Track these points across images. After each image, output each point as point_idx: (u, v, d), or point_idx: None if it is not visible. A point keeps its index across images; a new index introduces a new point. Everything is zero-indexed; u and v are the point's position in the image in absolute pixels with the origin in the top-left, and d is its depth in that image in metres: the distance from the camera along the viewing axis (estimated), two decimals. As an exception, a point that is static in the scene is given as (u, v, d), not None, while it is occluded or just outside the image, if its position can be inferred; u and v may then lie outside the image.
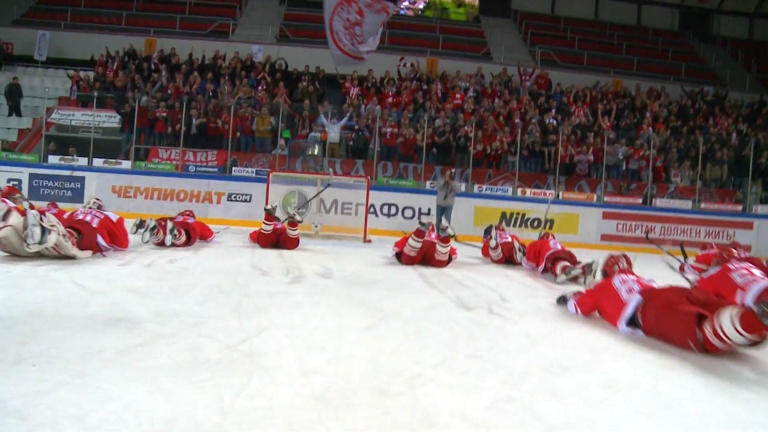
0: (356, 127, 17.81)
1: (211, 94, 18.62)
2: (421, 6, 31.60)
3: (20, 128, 18.89)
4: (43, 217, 6.04)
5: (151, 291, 4.91)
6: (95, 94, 17.98)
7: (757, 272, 5.12)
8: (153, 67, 20.42)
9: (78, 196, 15.39)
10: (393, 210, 16.12)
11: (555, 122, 19.19)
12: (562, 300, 5.48)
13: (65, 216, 7.46)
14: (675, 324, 3.93)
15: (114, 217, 7.63)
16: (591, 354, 3.76)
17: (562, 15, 29.24)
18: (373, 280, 6.67)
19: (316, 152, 17.56)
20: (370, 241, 12.27)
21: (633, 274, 4.93)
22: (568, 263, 7.62)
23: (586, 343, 4.06)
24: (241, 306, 4.45)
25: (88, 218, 7.20)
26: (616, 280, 4.76)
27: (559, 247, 8.31)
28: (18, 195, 8.46)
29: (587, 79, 23.22)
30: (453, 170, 15.27)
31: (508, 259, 9.24)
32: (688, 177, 18.42)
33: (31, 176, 15.70)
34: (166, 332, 3.47)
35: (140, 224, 8.36)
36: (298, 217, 8.28)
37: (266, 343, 3.40)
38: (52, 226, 6.05)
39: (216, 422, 2.19)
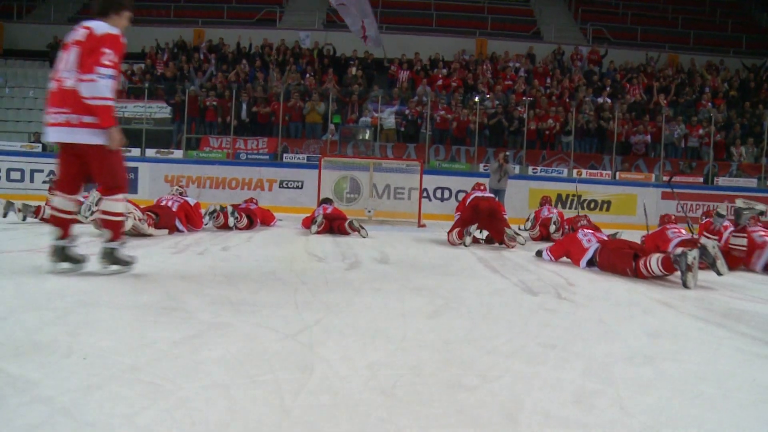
0: (407, 112, 17.57)
1: (261, 82, 18.61)
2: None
3: (75, 121, 19.14)
4: None
5: (204, 279, 4.79)
6: (146, 85, 18.16)
7: (683, 231, 7.88)
8: (202, 57, 20.52)
9: (131, 186, 15.54)
10: (446, 194, 15.87)
11: (609, 101, 18.58)
12: (539, 253, 7.36)
13: (154, 202, 8.84)
14: (619, 258, 5.95)
15: (192, 201, 8.91)
16: (674, 341, 3.45)
17: (614, -10, 28.15)
18: (433, 265, 6.49)
19: (367, 137, 17.42)
20: (424, 226, 12.06)
21: (591, 229, 6.95)
22: None
23: (666, 330, 3.76)
24: (297, 294, 4.27)
25: (169, 203, 8.44)
26: (580, 233, 6.80)
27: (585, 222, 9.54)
28: None
29: (641, 55, 22.36)
30: (507, 153, 14.90)
31: (545, 237, 9.95)
32: (752, 154, 17.64)
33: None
34: (220, 322, 3.30)
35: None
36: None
37: (326, 332, 3.19)
38: (129, 212, 6.96)
39: (276, 422, 1.99)
